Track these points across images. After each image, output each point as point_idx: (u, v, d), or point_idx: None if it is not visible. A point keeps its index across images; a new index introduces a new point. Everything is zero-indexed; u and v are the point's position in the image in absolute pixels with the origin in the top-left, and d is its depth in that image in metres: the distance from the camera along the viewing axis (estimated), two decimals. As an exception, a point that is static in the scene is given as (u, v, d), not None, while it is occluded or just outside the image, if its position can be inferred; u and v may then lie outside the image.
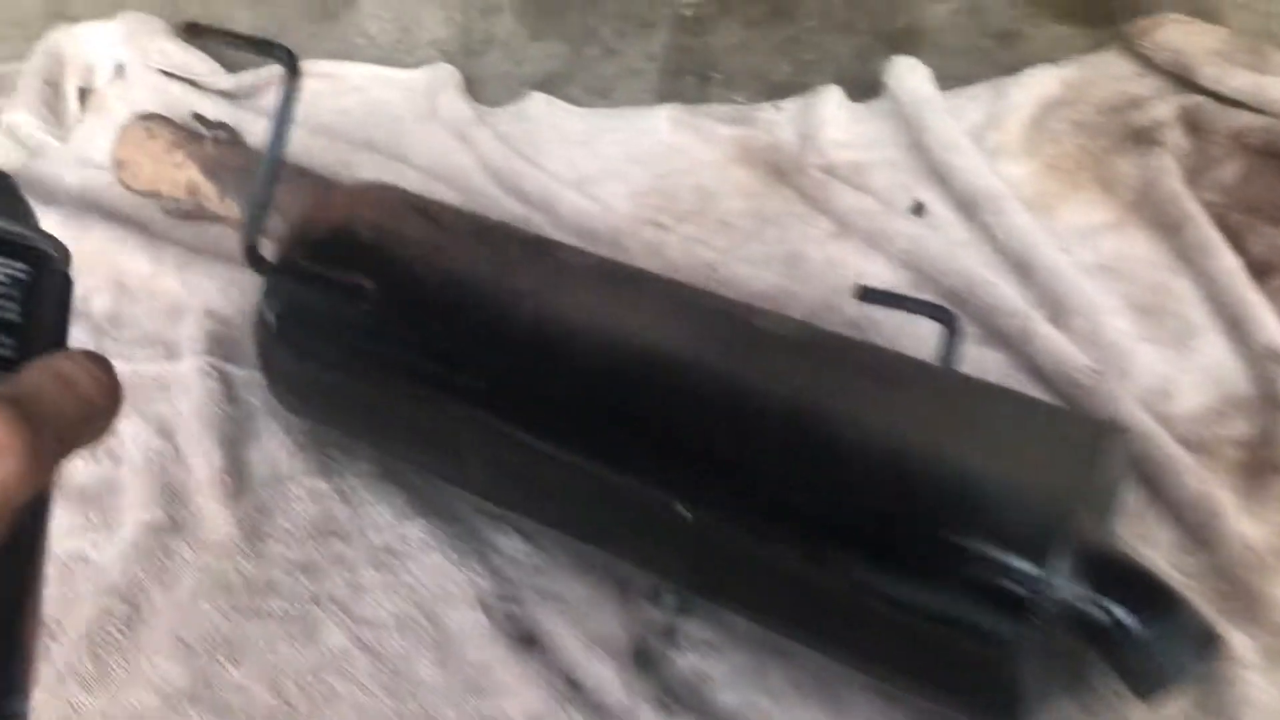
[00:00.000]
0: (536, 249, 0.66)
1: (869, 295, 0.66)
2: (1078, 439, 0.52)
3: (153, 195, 0.88)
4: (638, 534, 0.59)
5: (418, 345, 0.62)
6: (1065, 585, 0.48)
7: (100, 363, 0.31)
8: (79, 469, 0.74)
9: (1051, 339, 0.69)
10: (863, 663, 0.56)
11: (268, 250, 0.65)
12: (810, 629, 0.56)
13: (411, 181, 0.85)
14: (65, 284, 0.34)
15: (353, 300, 0.62)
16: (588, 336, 0.60)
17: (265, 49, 0.65)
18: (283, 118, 0.64)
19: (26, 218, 0.33)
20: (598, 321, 0.61)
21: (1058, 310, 0.72)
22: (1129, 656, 0.49)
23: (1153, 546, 0.61)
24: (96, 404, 0.31)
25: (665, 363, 0.59)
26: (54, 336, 0.34)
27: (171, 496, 0.71)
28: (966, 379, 0.58)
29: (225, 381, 0.77)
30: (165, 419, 0.76)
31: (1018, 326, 0.70)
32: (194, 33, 0.69)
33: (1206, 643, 0.51)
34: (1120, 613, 0.49)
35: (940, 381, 0.58)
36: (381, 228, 0.65)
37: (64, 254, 0.34)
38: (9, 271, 0.32)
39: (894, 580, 0.50)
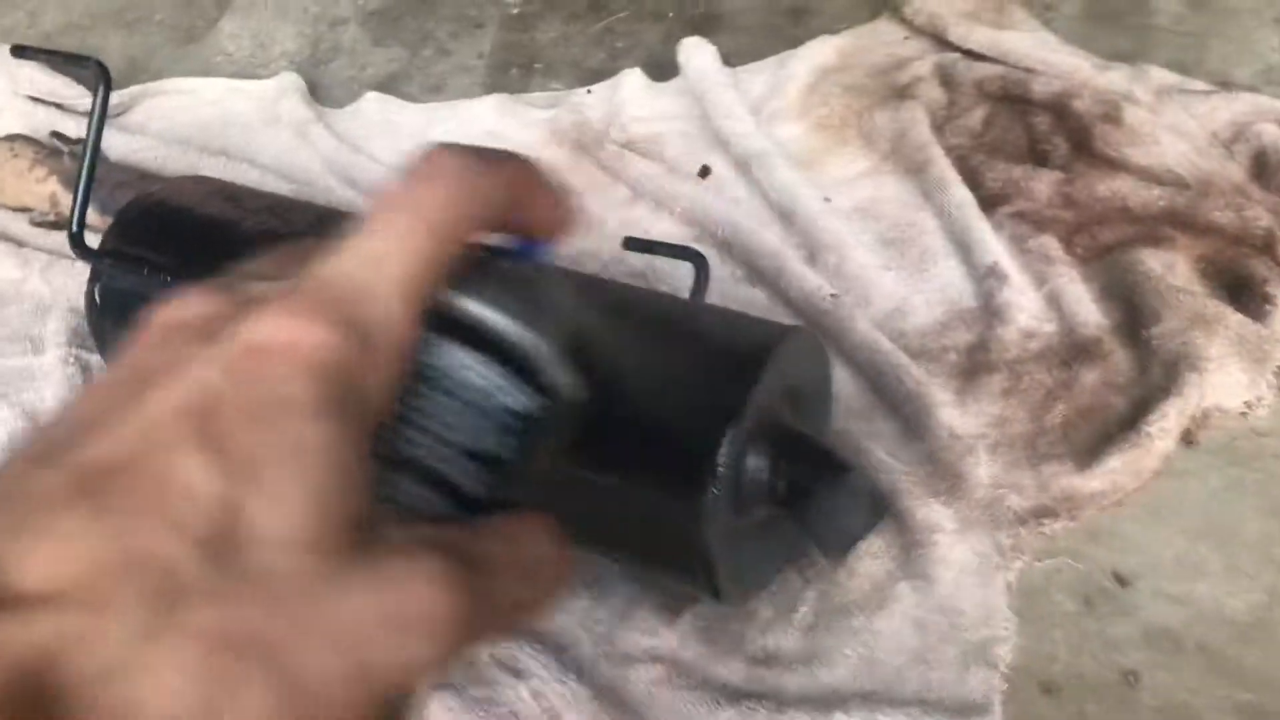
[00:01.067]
0: (326, 219, 0.74)
1: (630, 244, 0.75)
2: (763, 339, 0.61)
3: (20, 209, 0.97)
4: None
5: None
6: (746, 459, 0.57)
7: (560, 539, 0.27)
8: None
9: (800, 273, 0.78)
10: (611, 551, 0.64)
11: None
12: (568, 528, 0.65)
13: (254, 179, 0.94)
14: (572, 424, 0.29)
15: (162, 278, 0.70)
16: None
17: (78, 62, 0.74)
18: (97, 122, 0.73)
19: (565, 343, 0.28)
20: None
21: (813, 250, 0.81)
22: (811, 519, 0.58)
23: (875, 439, 0.70)
24: (540, 592, 0.27)
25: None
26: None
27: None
28: (691, 304, 0.67)
29: (85, 368, 0.85)
30: (31, 406, 0.84)
31: (774, 265, 0.79)
32: (18, 53, 0.78)
33: (877, 503, 0.59)
34: (798, 478, 0.57)
35: (668, 308, 0.67)
36: (189, 212, 0.73)
37: (579, 394, 0.29)
38: (519, 401, 0.27)
39: (613, 472, 0.59)
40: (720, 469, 0.55)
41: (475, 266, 0.28)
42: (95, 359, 0.86)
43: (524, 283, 0.28)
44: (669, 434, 0.58)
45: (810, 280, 0.77)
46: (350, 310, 0.24)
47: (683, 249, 0.74)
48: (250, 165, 0.97)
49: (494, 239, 0.29)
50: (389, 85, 1.07)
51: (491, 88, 1.04)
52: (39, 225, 0.96)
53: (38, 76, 1.09)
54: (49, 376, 0.85)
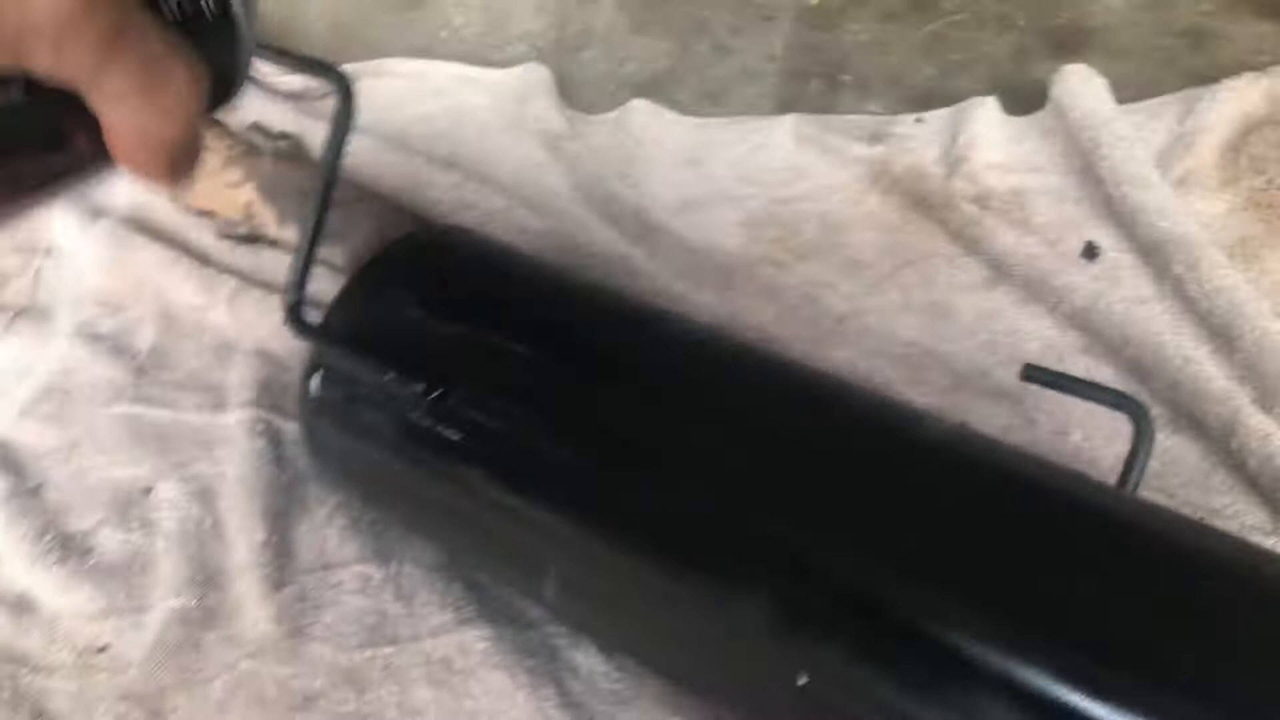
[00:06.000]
0: (636, 320, 0.54)
1: (1034, 375, 0.53)
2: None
3: (207, 215, 0.79)
4: (743, 687, 0.48)
5: (488, 434, 0.51)
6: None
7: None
8: (109, 539, 0.65)
9: (1262, 431, 0.55)
10: None
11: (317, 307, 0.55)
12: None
13: (495, 206, 0.74)
14: None
15: (411, 378, 0.51)
16: (697, 435, 0.49)
17: (316, 69, 0.54)
18: (334, 154, 0.53)
19: None
20: (709, 417, 0.49)
21: (1267, 393, 0.58)
22: None
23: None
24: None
25: (794, 473, 0.47)
26: None
27: (206, 579, 0.62)
28: (1169, 518, 0.45)
29: (274, 439, 0.67)
30: (207, 482, 0.67)
31: (1220, 414, 0.57)
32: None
33: None
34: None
35: (1134, 518, 0.45)
36: (449, 289, 0.54)
37: None
38: None
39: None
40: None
41: None
42: (290, 428, 0.68)
43: None
44: None
45: (1277, 445, 0.55)
46: None
47: (1118, 396, 0.52)
48: (487, 187, 0.77)
49: None
50: (654, 88, 0.86)
51: (787, 103, 0.83)
52: (227, 238, 0.79)
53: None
54: (232, 447, 0.67)
